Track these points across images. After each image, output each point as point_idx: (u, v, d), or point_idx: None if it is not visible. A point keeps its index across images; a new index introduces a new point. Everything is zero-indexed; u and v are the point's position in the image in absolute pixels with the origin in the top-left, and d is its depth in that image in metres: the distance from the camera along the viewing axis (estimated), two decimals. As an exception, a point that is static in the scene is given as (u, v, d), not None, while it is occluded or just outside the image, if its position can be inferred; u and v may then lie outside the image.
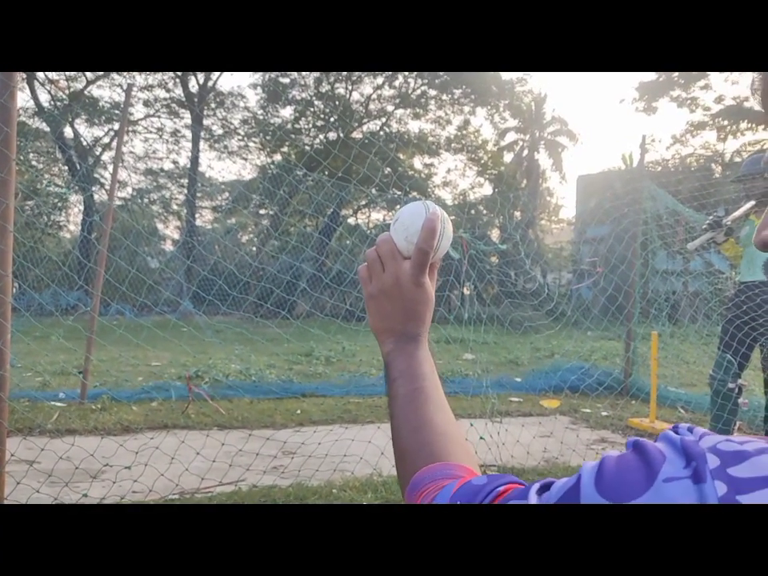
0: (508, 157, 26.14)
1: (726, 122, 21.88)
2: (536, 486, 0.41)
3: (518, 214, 18.99)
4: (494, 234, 19.35)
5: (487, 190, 23.78)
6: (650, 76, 20.81)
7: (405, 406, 0.62)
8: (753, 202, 3.81)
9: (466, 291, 18.14)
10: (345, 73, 21.56)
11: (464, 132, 23.08)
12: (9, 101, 2.61)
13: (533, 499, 0.40)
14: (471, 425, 4.14)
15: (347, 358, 9.20)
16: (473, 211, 18.77)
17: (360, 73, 21.67)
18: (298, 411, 5.42)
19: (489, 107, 22.41)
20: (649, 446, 0.36)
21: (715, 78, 21.26)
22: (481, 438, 3.96)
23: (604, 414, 5.70)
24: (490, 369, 8.38)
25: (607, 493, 0.34)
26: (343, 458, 3.77)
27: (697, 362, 7.15)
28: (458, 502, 0.47)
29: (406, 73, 21.45)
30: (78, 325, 5.03)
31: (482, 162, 23.15)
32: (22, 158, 19.47)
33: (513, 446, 4.06)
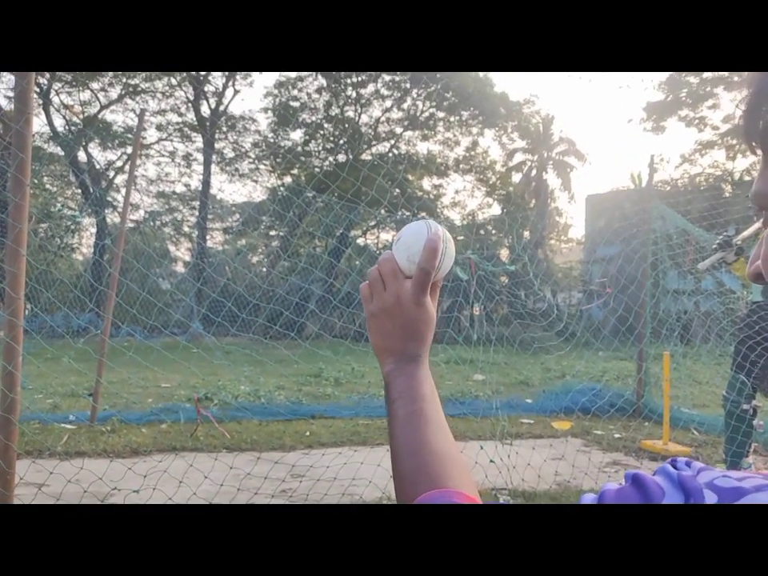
0: (516, 177, 26.28)
1: (734, 141, 21.88)
2: None
3: (527, 233, 18.99)
4: (504, 254, 19.36)
5: (496, 210, 23.87)
6: (658, 96, 20.92)
7: (404, 427, 0.61)
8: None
9: (476, 311, 18.08)
10: (354, 95, 21.87)
11: (472, 153, 23.25)
12: (24, 128, 2.67)
13: None
14: (481, 447, 4.10)
15: (356, 379, 9.17)
16: (482, 231, 18.81)
17: (369, 96, 21.97)
18: (307, 433, 5.39)
19: (497, 128, 22.59)
20: (648, 480, 0.36)
21: (723, 97, 21.33)
22: (491, 461, 3.92)
23: (616, 436, 5.62)
24: (500, 390, 8.31)
25: None
26: (352, 481, 3.74)
27: (710, 382, 7.06)
28: None
29: (415, 95, 21.72)
30: (88, 348, 5.06)
31: (491, 182, 23.26)
32: (36, 181, 19.83)
33: (524, 469, 4.01)
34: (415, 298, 0.66)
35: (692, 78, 21.14)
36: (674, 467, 0.38)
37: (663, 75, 21.28)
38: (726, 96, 21.32)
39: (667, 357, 5.52)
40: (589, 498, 0.39)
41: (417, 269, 0.66)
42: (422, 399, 0.63)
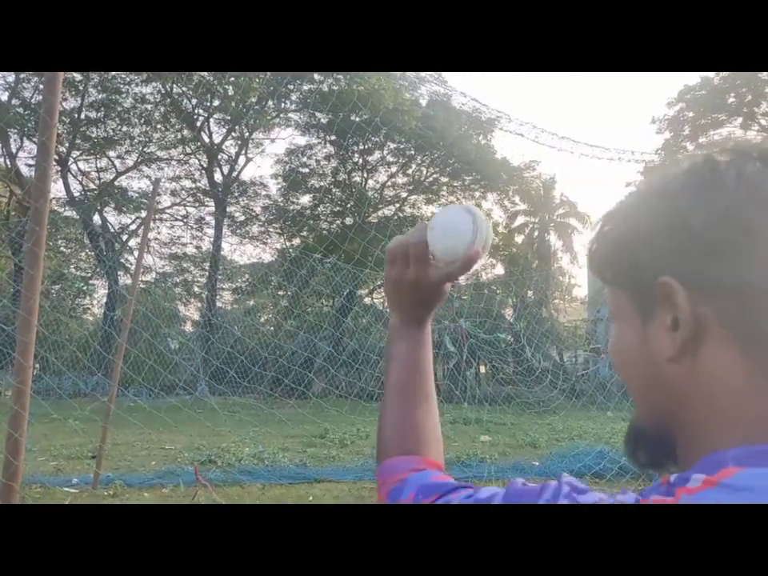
0: (519, 238, 26.74)
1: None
2: (466, 492, 0.55)
3: (530, 293, 19.15)
4: (508, 313, 19.43)
5: (500, 270, 24.18)
6: (654, 159, 21.48)
7: (393, 393, 0.70)
8: None
9: (483, 369, 17.98)
10: (360, 162, 22.68)
11: (475, 215, 23.82)
12: (42, 205, 2.75)
13: (455, 500, 0.54)
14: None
15: (361, 440, 9.08)
16: (486, 291, 18.99)
17: (375, 162, 22.78)
18: (310, 498, 5.34)
19: (498, 192, 23.25)
20: (543, 484, 0.49)
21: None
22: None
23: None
24: (507, 452, 8.19)
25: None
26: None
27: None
28: (416, 494, 0.58)
29: (419, 161, 22.50)
30: (94, 416, 5.11)
31: (493, 243, 23.69)
32: (50, 243, 20.40)
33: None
34: (437, 287, 0.69)
35: (688, 144, 21.80)
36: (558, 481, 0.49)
37: (659, 141, 22.00)
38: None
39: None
40: (503, 488, 0.51)
41: (446, 273, 0.67)
42: (415, 368, 0.70)
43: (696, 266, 0.44)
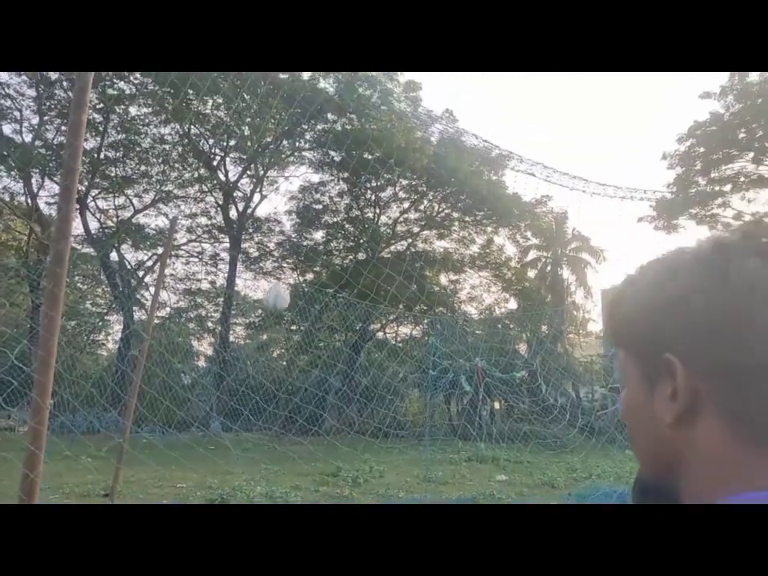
0: (532, 273, 26.69)
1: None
2: None
3: (544, 328, 19.00)
4: (522, 348, 19.25)
5: (513, 305, 24.08)
6: (665, 194, 21.54)
7: None
8: None
9: (497, 406, 17.70)
10: (373, 198, 22.99)
11: (487, 251, 23.90)
12: (64, 246, 2.72)
13: None
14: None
15: (374, 479, 8.92)
16: (499, 326, 18.87)
17: (387, 198, 23.08)
18: (324, 538, 5.22)
19: (510, 227, 23.36)
20: None
21: (732, 196, 21.86)
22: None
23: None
24: (524, 492, 7.99)
25: None
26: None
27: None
28: None
29: (431, 197, 22.75)
30: (108, 455, 5.08)
31: (506, 278, 23.70)
32: (68, 279, 20.75)
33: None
34: None
35: (700, 179, 21.84)
36: None
37: (670, 176, 22.06)
38: (735, 195, 21.85)
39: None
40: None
41: None
42: None
43: (696, 348, 0.51)
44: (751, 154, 20.84)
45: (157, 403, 9.70)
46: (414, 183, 22.01)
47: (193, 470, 8.37)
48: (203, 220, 23.38)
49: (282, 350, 23.17)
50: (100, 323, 22.51)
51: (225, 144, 21.23)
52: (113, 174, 21.15)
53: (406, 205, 23.22)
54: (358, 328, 19.93)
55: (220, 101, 19.20)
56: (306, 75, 17.56)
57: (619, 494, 6.53)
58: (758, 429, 0.49)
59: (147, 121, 20.18)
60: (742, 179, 21.30)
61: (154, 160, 21.15)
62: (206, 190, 22.48)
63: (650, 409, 0.54)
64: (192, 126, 20.15)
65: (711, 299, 0.50)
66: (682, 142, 21.33)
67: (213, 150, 21.53)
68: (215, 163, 21.68)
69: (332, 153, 21.01)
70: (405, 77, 19.81)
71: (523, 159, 16.74)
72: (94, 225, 21.93)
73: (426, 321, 20.02)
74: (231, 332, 22.33)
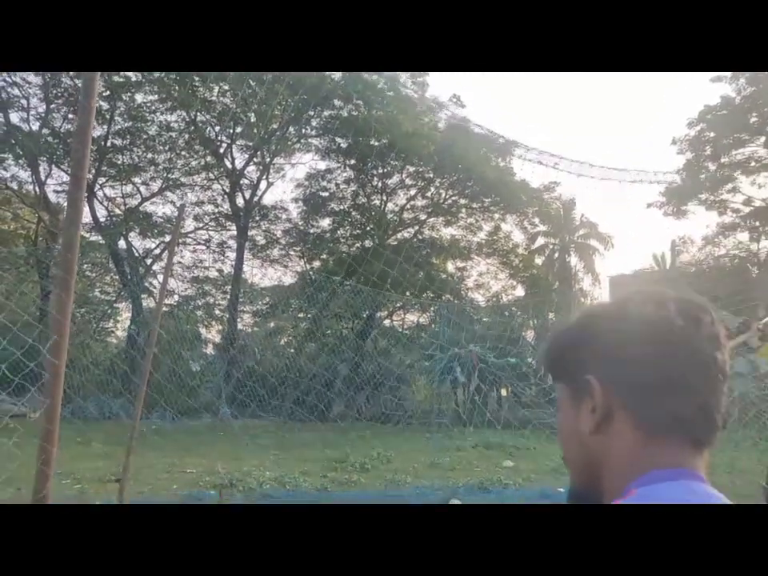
0: (539, 260, 26.57)
1: (757, 223, 21.94)
2: None
3: (551, 315, 18.96)
4: (529, 335, 19.24)
5: (520, 292, 24.01)
6: (675, 180, 21.30)
7: None
8: None
9: (504, 393, 17.75)
10: (380, 185, 22.90)
11: (495, 237, 23.79)
12: (74, 232, 2.77)
13: None
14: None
15: (382, 465, 8.99)
16: (506, 313, 18.85)
17: (394, 185, 22.99)
18: (332, 522, 5.29)
19: (518, 214, 23.21)
20: None
21: (742, 180, 21.60)
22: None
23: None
24: (531, 478, 8.03)
25: None
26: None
27: (750, 470, 6.72)
28: None
29: (438, 184, 22.64)
30: (118, 435, 5.16)
31: (514, 265, 23.61)
32: (77, 267, 20.80)
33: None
34: None
35: (710, 164, 21.59)
36: None
37: (680, 161, 21.81)
38: (745, 180, 21.58)
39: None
40: None
41: None
42: None
43: (608, 370, 0.67)
44: (762, 138, 20.55)
45: (166, 390, 9.80)
46: (420, 170, 21.88)
47: (202, 455, 8.47)
48: (210, 208, 23.40)
49: (290, 338, 23.28)
50: (109, 311, 22.67)
51: (231, 131, 21.17)
52: (120, 162, 21.17)
53: (413, 192, 23.11)
54: (364, 315, 19.96)
55: (226, 88, 19.11)
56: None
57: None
58: (655, 424, 0.64)
59: (153, 108, 20.13)
60: (753, 164, 21.02)
61: (161, 147, 21.14)
62: (213, 177, 22.46)
63: (576, 425, 0.69)
64: (198, 113, 20.10)
65: (618, 334, 0.67)
66: (692, 127, 21.06)
67: (219, 138, 21.48)
68: (222, 151, 21.64)
69: (338, 140, 20.91)
70: (411, 62, 19.57)
71: (530, 148, 16.62)
72: (102, 213, 22.01)
73: (432, 308, 20.03)
74: (239, 320, 22.44)
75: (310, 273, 21.08)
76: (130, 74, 18.84)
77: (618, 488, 0.64)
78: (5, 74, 17.39)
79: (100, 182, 21.32)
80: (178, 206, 22.10)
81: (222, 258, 24.20)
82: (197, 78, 17.32)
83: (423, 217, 23.46)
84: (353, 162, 21.39)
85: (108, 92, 18.45)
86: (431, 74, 18.76)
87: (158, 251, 22.50)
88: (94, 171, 20.13)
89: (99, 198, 21.68)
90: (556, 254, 27.20)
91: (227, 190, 22.42)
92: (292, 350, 20.26)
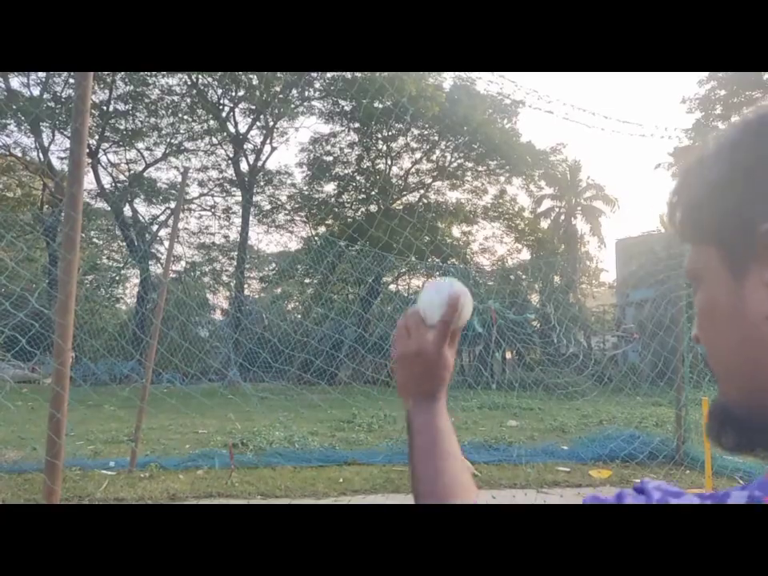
0: (545, 223, 26.38)
1: None
2: None
3: (557, 278, 18.93)
4: (534, 298, 19.26)
5: (525, 255, 23.94)
6: (684, 141, 20.87)
7: (422, 457, 0.72)
8: None
9: (509, 355, 17.89)
10: (384, 149, 22.60)
11: (500, 201, 23.59)
12: (77, 190, 2.81)
13: None
14: (513, 497, 4.06)
15: (388, 425, 9.16)
16: (512, 276, 18.82)
17: (399, 149, 22.68)
18: (340, 480, 5.43)
19: (524, 177, 22.94)
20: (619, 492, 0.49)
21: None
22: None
23: (656, 484, 5.45)
24: (535, 436, 8.17)
25: None
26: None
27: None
28: None
29: (443, 146, 22.31)
30: (131, 395, 5.26)
31: (519, 228, 23.47)
32: (83, 235, 20.88)
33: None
34: (435, 347, 0.74)
35: (720, 124, 21.11)
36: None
37: (689, 121, 21.35)
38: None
39: (706, 402, 5.41)
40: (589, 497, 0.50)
41: (438, 322, 0.74)
42: (438, 432, 0.73)
43: None
44: (776, 96, 20.04)
45: (177, 351, 9.94)
46: (425, 133, 21.55)
47: (213, 416, 8.65)
48: (214, 173, 23.25)
49: (297, 303, 23.41)
50: (117, 277, 22.81)
51: (233, 94, 20.83)
52: (122, 127, 20.96)
53: (418, 155, 22.83)
54: (371, 280, 20.01)
55: (226, 49, 18.71)
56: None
57: (629, 435, 6.66)
58: None
59: (154, 71, 19.81)
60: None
61: (163, 112, 20.88)
62: (217, 142, 22.24)
63: (740, 305, 0.43)
64: (200, 77, 19.75)
65: None
66: (702, 85, 20.53)
67: (221, 101, 21.17)
68: (224, 114, 21.35)
69: (342, 102, 20.55)
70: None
71: (540, 96, 16.22)
72: (106, 179, 21.92)
73: (438, 272, 20.02)
74: (246, 285, 22.54)
75: (316, 238, 21.04)
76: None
77: None
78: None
79: (103, 148, 21.15)
80: (182, 170, 21.93)
81: (228, 224, 24.18)
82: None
83: (428, 180, 23.24)
84: (357, 125, 21.06)
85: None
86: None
87: (163, 217, 22.48)
88: (97, 137, 19.94)
89: (103, 163, 21.56)
90: (562, 217, 26.97)
91: (231, 155, 22.22)
92: (299, 315, 20.41)
